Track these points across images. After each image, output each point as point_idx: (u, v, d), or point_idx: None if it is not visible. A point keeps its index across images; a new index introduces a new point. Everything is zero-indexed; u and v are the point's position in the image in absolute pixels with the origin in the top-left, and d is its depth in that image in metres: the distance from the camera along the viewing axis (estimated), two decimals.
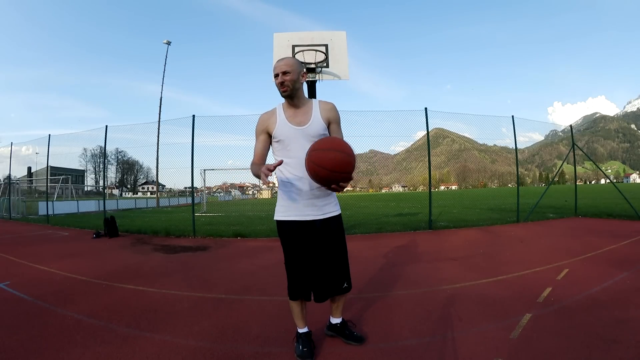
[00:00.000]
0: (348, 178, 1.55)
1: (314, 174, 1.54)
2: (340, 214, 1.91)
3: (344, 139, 1.81)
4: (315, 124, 1.80)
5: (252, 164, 1.83)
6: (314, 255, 1.85)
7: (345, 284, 1.92)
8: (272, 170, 1.59)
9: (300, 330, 1.95)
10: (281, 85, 1.78)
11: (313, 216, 1.82)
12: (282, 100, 1.88)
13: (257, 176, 1.74)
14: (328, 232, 1.85)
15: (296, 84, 1.80)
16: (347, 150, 1.55)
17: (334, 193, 1.89)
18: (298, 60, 1.89)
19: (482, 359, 1.84)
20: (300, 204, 1.81)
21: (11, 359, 1.92)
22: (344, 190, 1.62)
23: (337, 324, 2.07)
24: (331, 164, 1.49)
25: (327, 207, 1.85)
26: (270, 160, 1.85)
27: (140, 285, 3.41)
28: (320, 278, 1.87)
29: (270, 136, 1.86)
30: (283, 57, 1.91)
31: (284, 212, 1.85)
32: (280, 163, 1.61)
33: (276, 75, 1.80)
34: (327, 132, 1.85)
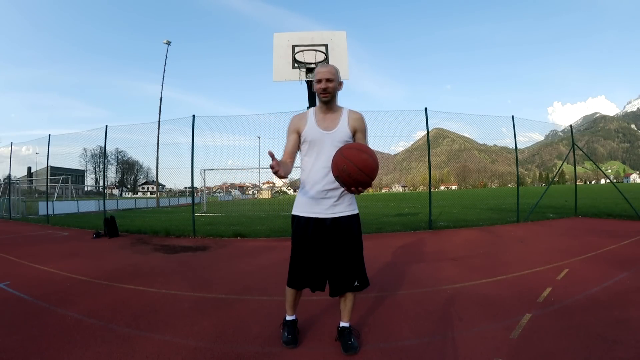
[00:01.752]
0: (369, 184, 1.64)
1: (342, 170, 1.61)
2: (355, 214, 1.97)
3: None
4: (342, 131, 1.90)
5: (280, 161, 1.89)
6: (322, 252, 1.92)
7: (356, 282, 1.96)
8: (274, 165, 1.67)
9: (288, 318, 2.09)
10: (324, 91, 1.87)
11: (323, 214, 1.90)
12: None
13: (281, 176, 1.80)
14: (338, 230, 1.91)
15: (336, 92, 1.91)
16: (375, 158, 1.68)
17: (349, 194, 1.96)
18: (337, 68, 1.98)
19: (482, 359, 1.84)
20: (313, 201, 1.92)
21: (11, 359, 1.93)
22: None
23: (342, 327, 2.04)
24: (362, 164, 1.60)
25: (338, 207, 1.91)
26: (282, 163, 1.89)
27: (140, 285, 3.41)
28: (334, 274, 1.94)
29: (300, 136, 1.96)
30: (325, 63, 1.98)
31: (299, 208, 1.97)
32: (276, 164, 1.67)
33: (319, 81, 1.87)
34: (351, 140, 1.92)
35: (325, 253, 1.93)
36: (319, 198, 1.90)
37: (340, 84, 1.93)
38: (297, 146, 1.98)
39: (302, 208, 1.94)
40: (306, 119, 1.94)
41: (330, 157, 1.77)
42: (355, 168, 1.58)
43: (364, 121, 1.97)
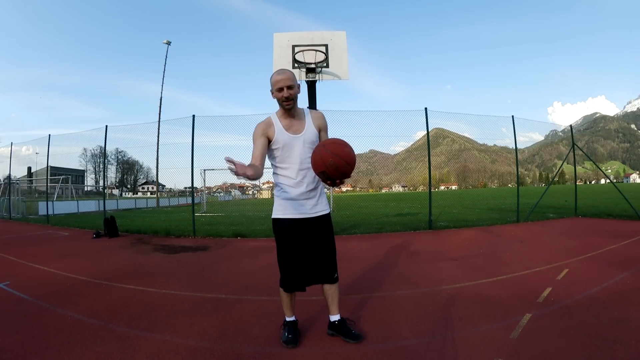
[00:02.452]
0: (349, 175, 1.71)
1: (330, 165, 1.64)
2: (329, 213, 2.09)
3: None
4: (309, 132, 1.97)
5: (249, 166, 1.80)
6: (307, 250, 2.00)
7: (335, 275, 2.07)
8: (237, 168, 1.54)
9: (288, 319, 2.12)
10: (287, 100, 1.88)
11: (307, 214, 1.98)
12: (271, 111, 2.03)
13: (252, 178, 1.71)
14: (321, 228, 2.01)
15: (297, 97, 1.93)
16: (353, 150, 1.74)
17: (324, 194, 2.08)
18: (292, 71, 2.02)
19: (482, 359, 1.84)
20: (297, 203, 1.97)
21: (11, 359, 1.93)
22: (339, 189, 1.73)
23: (335, 321, 2.11)
24: (347, 157, 1.67)
25: (318, 207, 2.01)
26: (259, 168, 1.85)
27: (140, 285, 3.41)
28: (314, 268, 2.02)
29: (269, 141, 1.94)
30: (281, 69, 1.97)
31: (282, 210, 1.99)
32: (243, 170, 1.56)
33: (280, 89, 1.87)
34: (318, 139, 2.01)
35: (310, 250, 2.00)
36: (302, 199, 1.96)
37: (298, 87, 1.93)
38: (266, 150, 1.94)
39: (287, 210, 1.97)
40: (273, 127, 1.93)
41: (305, 159, 1.89)
42: (342, 161, 1.65)
43: (325, 119, 2.08)
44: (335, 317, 2.11)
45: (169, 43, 25.87)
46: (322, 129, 2.04)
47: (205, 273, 3.93)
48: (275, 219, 2.02)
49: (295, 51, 5.34)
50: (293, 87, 1.87)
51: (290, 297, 2.09)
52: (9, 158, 12.93)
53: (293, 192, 1.95)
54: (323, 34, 5.56)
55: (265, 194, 37.95)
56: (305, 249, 1.99)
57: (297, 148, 1.93)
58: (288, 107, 1.89)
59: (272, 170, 2.05)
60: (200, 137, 7.53)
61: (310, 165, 1.83)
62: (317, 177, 1.90)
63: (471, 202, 18.54)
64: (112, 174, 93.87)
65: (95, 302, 2.91)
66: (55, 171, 21.53)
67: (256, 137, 1.92)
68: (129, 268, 4.25)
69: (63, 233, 8.33)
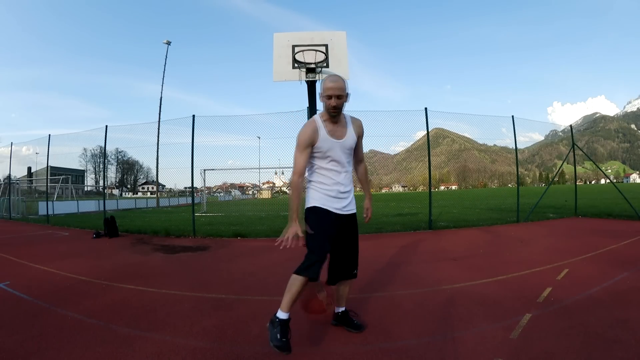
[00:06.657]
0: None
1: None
2: (356, 212, 2.18)
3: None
4: (350, 139, 2.06)
5: (297, 183, 1.95)
6: (337, 243, 2.05)
7: (355, 270, 2.17)
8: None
9: (282, 316, 1.90)
10: (334, 109, 1.93)
11: (341, 211, 2.06)
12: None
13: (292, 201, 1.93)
14: (350, 225, 2.11)
15: (343, 106, 1.98)
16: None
17: (353, 194, 2.17)
18: (345, 79, 2.02)
19: (482, 359, 1.84)
20: (334, 199, 2.04)
21: (11, 359, 1.93)
22: None
23: (339, 312, 2.25)
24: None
25: (350, 206, 2.10)
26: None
27: (140, 285, 3.41)
28: (338, 264, 2.11)
29: (312, 145, 2.02)
30: (334, 75, 2.00)
31: (320, 201, 2.03)
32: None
33: (329, 97, 1.91)
34: (355, 145, 2.11)
35: (338, 245, 2.06)
36: (339, 198, 2.03)
37: (347, 96, 1.97)
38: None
39: (324, 202, 2.02)
40: (318, 132, 1.97)
41: (342, 162, 2.03)
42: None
43: (363, 127, 2.17)
44: (340, 309, 2.24)
45: (169, 43, 25.88)
46: (360, 136, 2.15)
47: (205, 273, 3.93)
48: (313, 207, 2.02)
49: (295, 51, 5.33)
50: (342, 97, 1.91)
51: (304, 288, 1.96)
52: (9, 158, 12.94)
53: (331, 189, 2.03)
54: (323, 34, 5.56)
55: (265, 194, 37.93)
56: (335, 240, 2.03)
57: (336, 151, 2.01)
58: (334, 114, 1.96)
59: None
60: (200, 137, 7.54)
61: (348, 168, 2.07)
62: (351, 178, 2.12)
63: (471, 202, 18.54)
64: (112, 174, 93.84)
65: (95, 302, 2.91)
66: (55, 171, 21.51)
67: (303, 147, 1.96)
68: (129, 268, 4.25)
69: (63, 233, 8.33)
